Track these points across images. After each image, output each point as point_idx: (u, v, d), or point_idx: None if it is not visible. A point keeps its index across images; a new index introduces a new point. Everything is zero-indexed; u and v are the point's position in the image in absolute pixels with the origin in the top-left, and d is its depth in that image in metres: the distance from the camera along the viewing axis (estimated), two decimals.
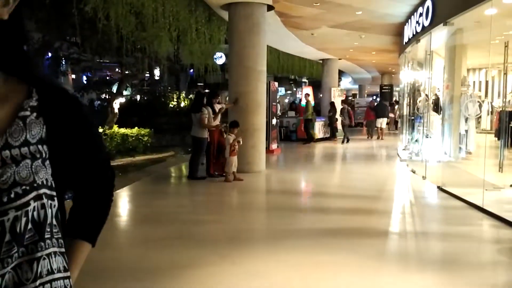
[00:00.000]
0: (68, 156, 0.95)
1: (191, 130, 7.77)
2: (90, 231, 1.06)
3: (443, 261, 3.95)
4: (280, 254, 4.00)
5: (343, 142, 14.45)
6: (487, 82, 14.94)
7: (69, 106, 0.96)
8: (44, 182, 0.87)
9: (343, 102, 16.95)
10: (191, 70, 23.15)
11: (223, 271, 3.57)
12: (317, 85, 22.39)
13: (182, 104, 22.58)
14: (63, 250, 0.93)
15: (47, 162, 0.89)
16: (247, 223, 5.15)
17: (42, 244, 0.87)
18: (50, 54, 16.70)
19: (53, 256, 0.90)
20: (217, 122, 7.86)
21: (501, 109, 8.30)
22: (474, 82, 15.02)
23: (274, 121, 11.62)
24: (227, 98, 9.66)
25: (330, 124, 15.95)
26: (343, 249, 4.14)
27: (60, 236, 0.92)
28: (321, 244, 4.30)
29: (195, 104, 7.92)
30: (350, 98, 32.49)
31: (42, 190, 0.86)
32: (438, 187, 7.07)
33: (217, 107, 7.92)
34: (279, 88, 19.35)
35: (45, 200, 0.87)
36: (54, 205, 0.90)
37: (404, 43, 10.94)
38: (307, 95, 15.66)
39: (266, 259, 3.91)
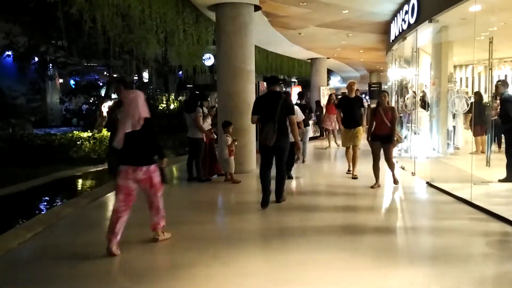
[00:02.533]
0: None
1: (184, 131, 7.45)
2: None
3: (433, 255, 3.98)
4: (270, 253, 4.01)
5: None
6: (473, 78, 15.11)
7: None
8: None
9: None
10: (180, 72, 23.04)
11: (216, 271, 3.57)
12: (306, 85, 22.45)
13: (172, 106, 22.49)
14: None
15: None
16: (238, 223, 5.14)
17: None
18: (36, 59, 16.52)
19: None
20: (207, 126, 7.62)
21: (488, 104, 8.39)
22: (460, 78, 15.18)
23: None
24: (216, 100, 9.61)
25: (318, 123, 16.01)
26: (334, 246, 4.17)
27: None
28: (311, 242, 4.32)
29: (190, 104, 7.61)
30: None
31: None
32: (427, 182, 7.15)
33: (206, 110, 7.76)
34: None
35: None
36: None
37: (390, 41, 11.03)
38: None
39: (257, 259, 3.91)
